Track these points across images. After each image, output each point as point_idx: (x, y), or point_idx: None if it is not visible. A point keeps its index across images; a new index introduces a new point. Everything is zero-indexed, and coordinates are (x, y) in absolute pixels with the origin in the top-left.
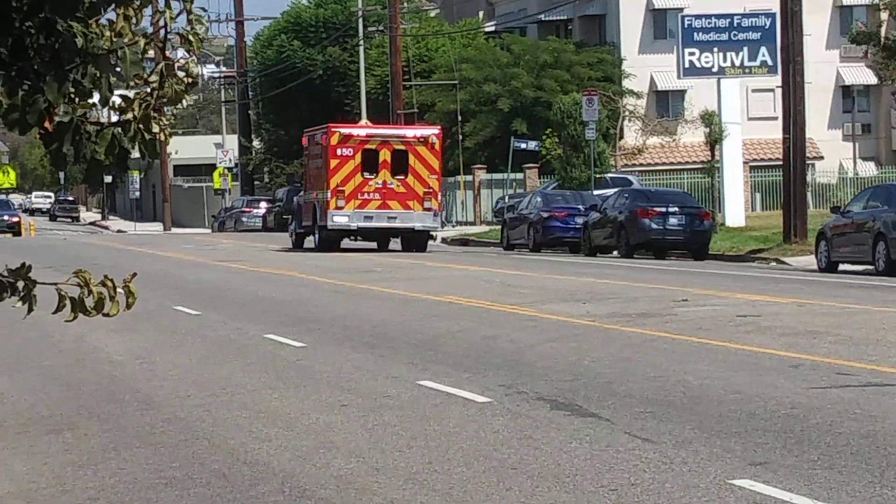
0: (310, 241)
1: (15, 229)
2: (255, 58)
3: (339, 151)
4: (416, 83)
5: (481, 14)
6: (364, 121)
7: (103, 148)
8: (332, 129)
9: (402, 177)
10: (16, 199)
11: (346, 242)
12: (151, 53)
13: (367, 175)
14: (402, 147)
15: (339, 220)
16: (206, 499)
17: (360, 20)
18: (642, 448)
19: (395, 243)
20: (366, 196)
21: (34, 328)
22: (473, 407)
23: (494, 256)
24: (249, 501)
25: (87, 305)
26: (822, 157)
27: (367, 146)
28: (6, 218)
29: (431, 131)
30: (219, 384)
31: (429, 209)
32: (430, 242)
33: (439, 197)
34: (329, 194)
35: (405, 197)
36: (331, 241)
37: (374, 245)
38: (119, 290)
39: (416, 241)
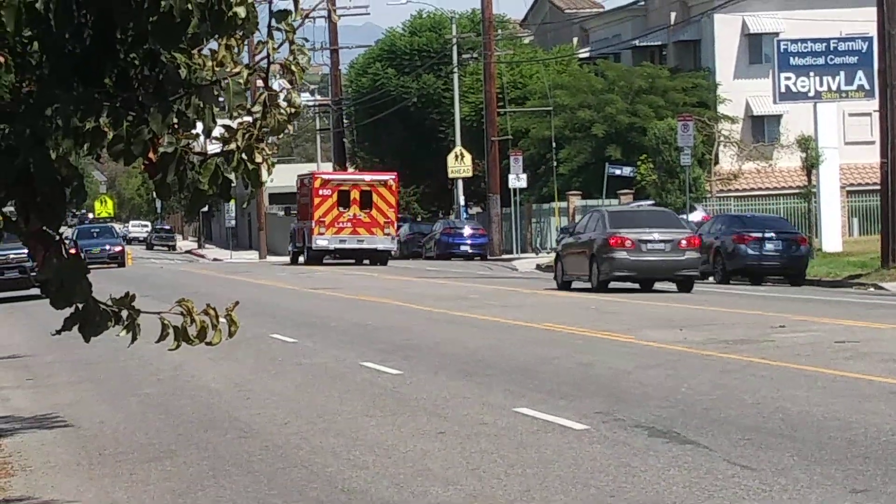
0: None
1: (118, 259)
2: (349, 86)
3: (320, 192)
4: (510, 110)
5: (575, 40)
6: (352, 168)
7: (207, 178)
8: (316, 176)
9: (368, 210)
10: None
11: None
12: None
13: (341, 209)
14: (368, 188)
15: (320, 242)
16: None
17: (455, 47)
18: (742, 475)
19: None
20: (341, 225)
21: (133, 357)
22: (571, 434)
23: (588, 283)
24: None
25: (189, 334)
26: None
27: (342, 188)
28: (108, 247)
29: (389, 176)
30: (316, 412)
31: (388, 234)
32: (524, 270)
33: (395, 225)
34: (313, 224)
35: (370, 225)
36: (315, 258)
37: (352, 261)
38: (222, 318)
39: (379, 258)
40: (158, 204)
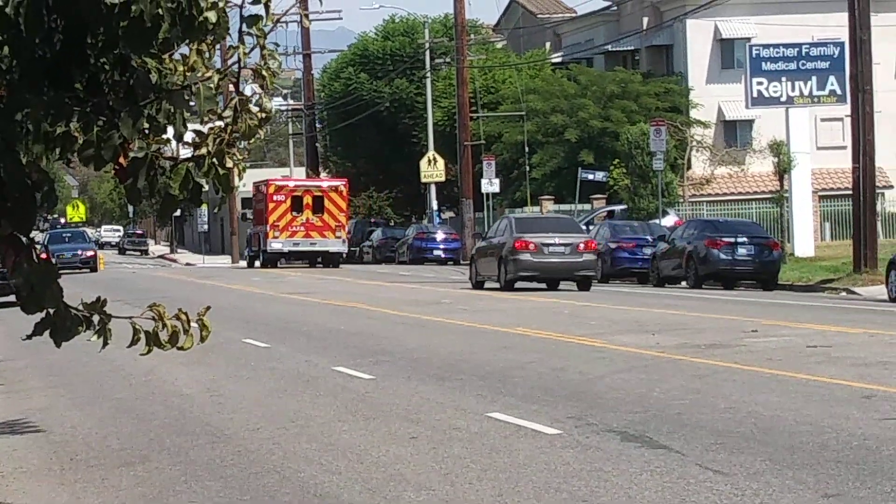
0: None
1: (90, 264)
2: (322, 90)
3: (275, 198)
4: (482, 115)
5: (548, 45)
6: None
7: (177, 183)
8: (270, 183)
9: (320, 215)
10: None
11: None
12: (226, 89)
13: (294, 214)
14: (320, 194)
15: (275, 245)
16: None
17: (427, 52)
18: (714, 480)
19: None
20: (294, 229)
21: (105, 362)
22: (543, 439)
23: (562, 287)
24: None
25: (161, 339)
26: (892, 186)
27: (295, 193)
28: (80, 252)
29: (340, 182)
30: (288, 417)
31: (339, 237)
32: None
33: (346, 228)
34: (268, 228)
35: (322, 229)
36: (270, 260)
37: (306, 262)
38: (193, 323)
39: (331, 259)
40: (131, 209)
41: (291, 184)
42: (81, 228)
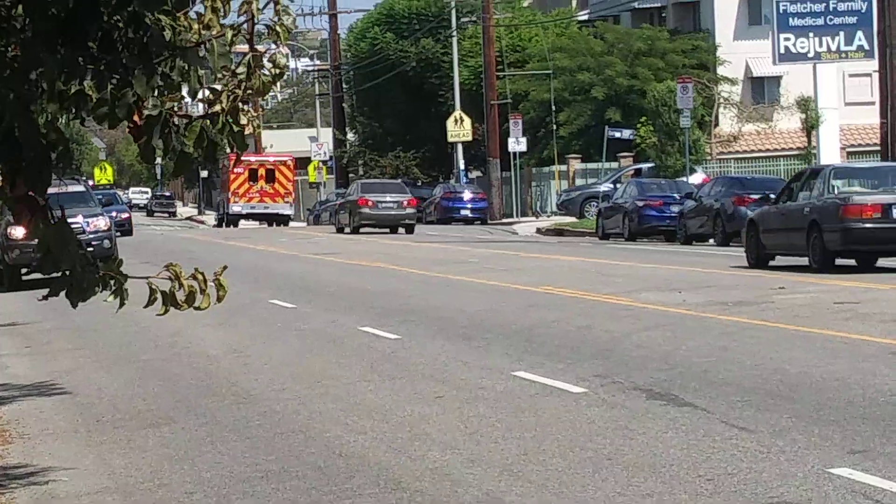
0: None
1: (125, 227)
2: (348, 51)
3: (235, 170)
4: (509, 73)
5: (574, 2)
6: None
7: (192, 140)
8: (231, 158)
9: (272, 184)
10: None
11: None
12: (239, 47)
13: (251, 183)
14: (272, 167)
15: (235, 209)
16: (302, 491)
17: (453, 11)
18: (739, 437)
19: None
20: (250, 195)
21: (131, 324)
22: (569, 397)
23: (589, 246)
24: (345, 494)
25: (178, 299)
26: None
27: (252, 167)
28: (115, 215)
29: (288, 158)
30: (314, 377)
31: (287, 202)
32: (524, 234)
33: (292, 195)
34: (230, 194)
35: (273, 195)
36: (232, 221)
37: (265, 224)
38: (210, 283)
39: (281, 220)
40: (158, 170)
41: (248, 159)
42: (113, 190)
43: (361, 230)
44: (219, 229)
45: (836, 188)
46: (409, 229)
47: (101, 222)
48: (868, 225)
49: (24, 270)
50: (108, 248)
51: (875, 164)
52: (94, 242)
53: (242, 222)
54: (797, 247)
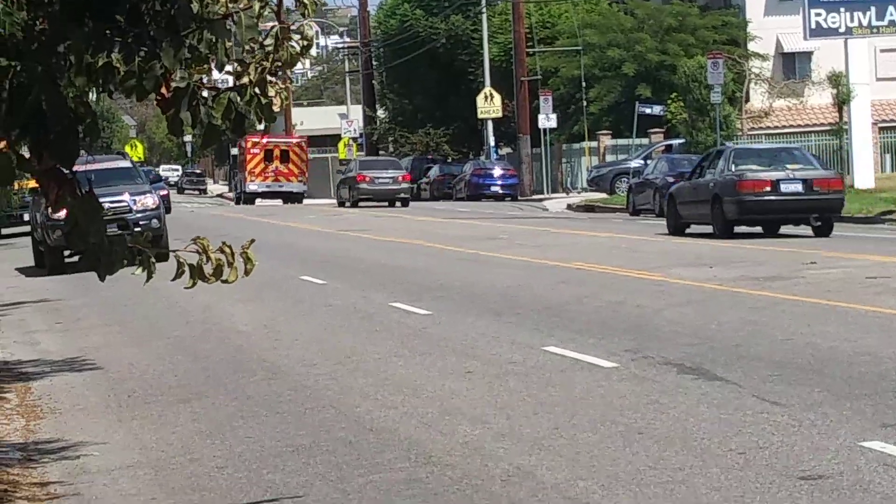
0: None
1: (164, 204)
2: (378, 27)
3: (251, 151)
4: (539, 49)
5: None
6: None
7: (220, 113)
8: (247, 140)
9: (286, 164)
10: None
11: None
12: (267, 15)
13: (266, 163)
14: (286, 148)
15: (251, 187)
16: (332, 466)
17: None
18: (770, 411)
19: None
20: (266, 174)
21: (161, 299)
22: (600, 372)
23: (620, 222)
24: (375, 468)
25: (205, 272)
26: None
27: (267, 148)
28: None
29: (301, 139)
30: (344, 353)
31: (300, 181)
32: (555, 210)
33: (306, 174)
34: (247, 174)
35: (288, 175)
36: (248, 199)
37: (279, 202)
38: (238, 256)
39: (294, 198)
40: (189, 148)
41: (266, 140)
42: (150, 168)
43: (360, 203)
44: (248, 206)
45: (734, 166)
46: (405, 202)
47: (149, 200)
48: (760, 198)
49: (66, 252)
50: (158, 228)
51: (770, 146)
52: (141, 222)
53: (259, 200)
54: (704, 216)
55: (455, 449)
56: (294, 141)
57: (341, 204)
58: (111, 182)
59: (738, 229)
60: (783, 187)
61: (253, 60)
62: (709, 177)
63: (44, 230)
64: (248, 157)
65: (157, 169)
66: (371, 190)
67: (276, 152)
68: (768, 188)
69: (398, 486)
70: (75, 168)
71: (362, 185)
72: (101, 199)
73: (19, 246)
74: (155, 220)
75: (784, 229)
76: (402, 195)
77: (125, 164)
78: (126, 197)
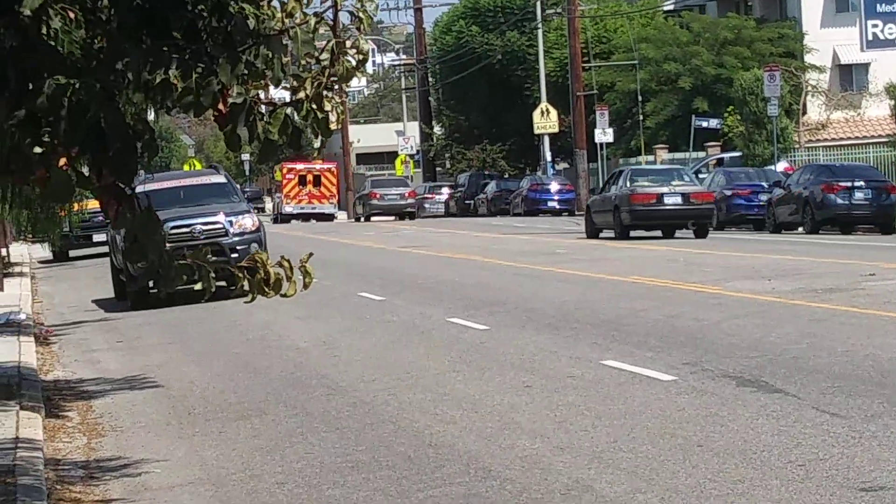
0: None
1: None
2: (434, 44)
3: (287, 176)
4: (595, 64)
5: None
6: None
7: (277, 128)
8: (283, 166)
9: (318, 188)
10: None
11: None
12: (322, 33)
13: (300, 187)
14: (318, 173)
15: (287, 209)
16: (392, 481)
17: (538, 3)
18: (830, 423)
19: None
20: (300, 198)
21: (221, 318)
22: (658, 385)
23: (677, 235)
24: (435, 483)
25: (264, 287)
26: None
27: (301, 173)
28: None
29: (332, 165)
30: (403, 368)
31: (332, 203)
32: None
33: (336, 196)
34: (283, 196)
35: (320, 197)
36: (284, 220)
37: (313, 222)
38: (296, 270)
39: (325, 219)
40: (247, 167)
41: (300, 166)
42: (244, 183)
43: (371, 217)
44: (306, 223)
45: (630, 183)
46: (411, 216)
47: (248, 221)
48: (648, 208)
49: (150, 283)
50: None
51: (661, 167)
52: (239, 247)
53: (293, 220)
54: (609, 223)
55: (514, 463)
56: (325, 167)
57: (357, 219)
58: (203, 200)
59: (633, 233)
60: (666, 199)
61: (309, 75)
62: (612, 191)
63: (124, 257)
64: (285, 181)
65: (255, 184)
66: (381, 205)
67: (309, 177)
68: (654, 200)
69: (458, 500)
70: (162, 185)
71: (374, 202)
72: (192, 221)
73: (89, 266)
74: (255, 245)
75: (677, 233)
76: (409, 209)
77: (220, 178)
78: (221, 217)
